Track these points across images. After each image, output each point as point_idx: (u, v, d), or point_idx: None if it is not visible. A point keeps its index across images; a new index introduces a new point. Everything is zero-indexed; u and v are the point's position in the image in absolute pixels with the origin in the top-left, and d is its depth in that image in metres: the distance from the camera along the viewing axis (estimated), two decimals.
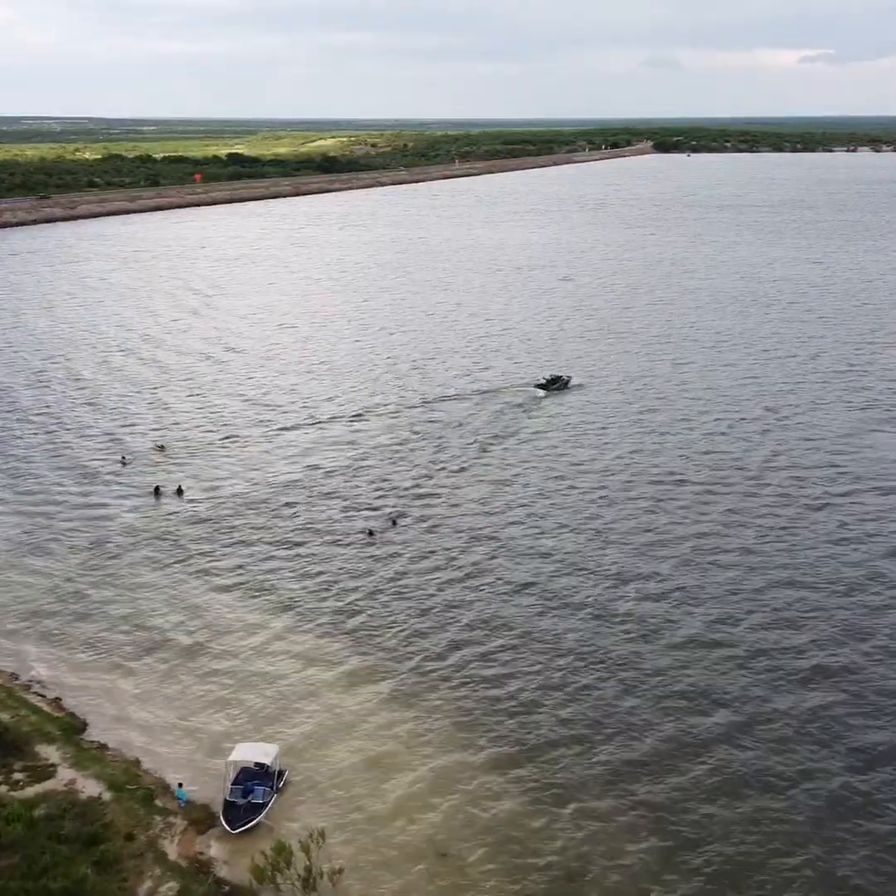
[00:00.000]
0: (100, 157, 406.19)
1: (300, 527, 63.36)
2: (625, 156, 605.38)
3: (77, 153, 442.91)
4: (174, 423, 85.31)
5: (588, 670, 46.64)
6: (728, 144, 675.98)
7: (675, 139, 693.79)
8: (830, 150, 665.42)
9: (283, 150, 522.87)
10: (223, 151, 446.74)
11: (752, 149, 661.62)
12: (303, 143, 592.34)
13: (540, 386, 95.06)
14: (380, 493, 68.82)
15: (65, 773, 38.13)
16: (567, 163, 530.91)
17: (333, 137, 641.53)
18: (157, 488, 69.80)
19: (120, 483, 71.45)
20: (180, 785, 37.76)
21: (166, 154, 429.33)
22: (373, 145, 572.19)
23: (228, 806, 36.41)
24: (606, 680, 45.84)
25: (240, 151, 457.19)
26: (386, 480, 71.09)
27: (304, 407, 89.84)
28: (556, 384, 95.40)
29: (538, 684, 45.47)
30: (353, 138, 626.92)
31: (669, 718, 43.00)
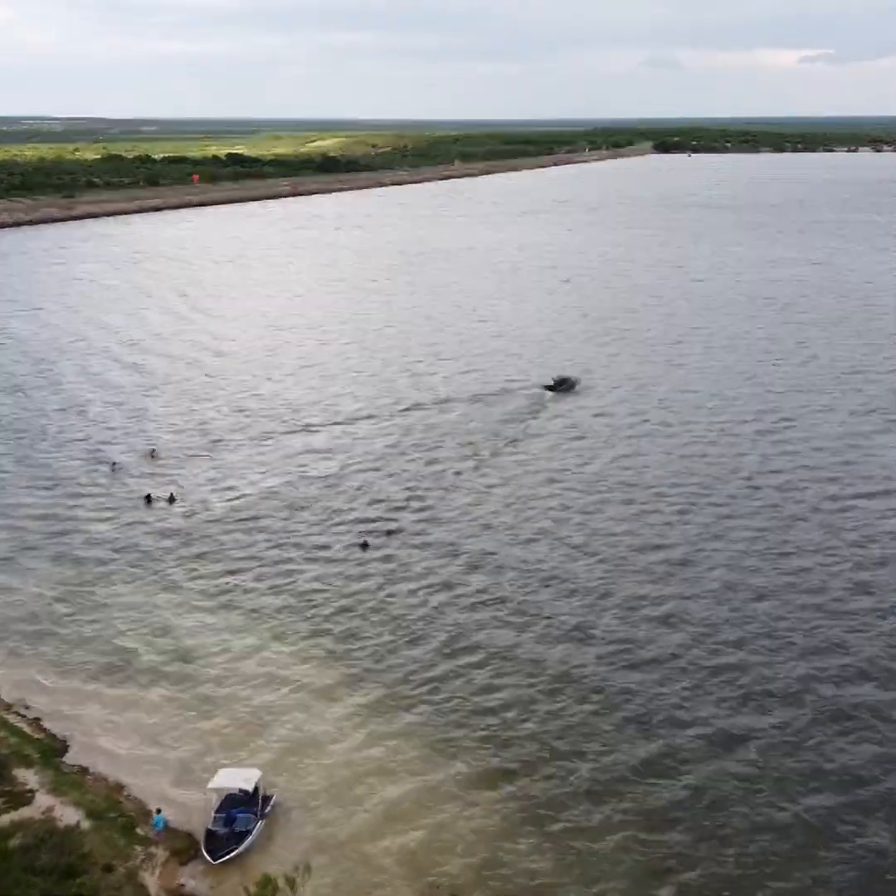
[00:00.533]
0: (99, 157, 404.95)
1: (293, 538, 61.94)
2: (625, 156, 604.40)
3: (77, 153, 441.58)
4: (166, 429, 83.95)
5: (573, 688, 45.14)
6: (728, 145, 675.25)
7: (675, 139, 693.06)
8: (831, 150, 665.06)
9: (283, 150, 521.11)
10: (223, 151, 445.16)
11: (752, 149, 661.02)
12: (303, 144, 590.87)
13: (547, 387, 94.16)
14: (377, 502, 67.39)
15: (43, 800, 36.80)
16: (567, 163, 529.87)
17: (334, 137, 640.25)
18: (148, 496, 68.49)
19: (110, 490, 70.02)
20: (158, 811, 36.40)
21: (166, 154, 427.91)
22: (373, 146, 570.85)
23: (210, 835, 35.07)
24: (591, 698, 44.38)
25: (240, 151, 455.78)
26: (383, 490, 69.64)
27: (299, 412, 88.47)
28: (563, 386, 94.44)
29: (524, 702, 44.08)
30: (353, 138, 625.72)
31: (655, 737, 41.63)
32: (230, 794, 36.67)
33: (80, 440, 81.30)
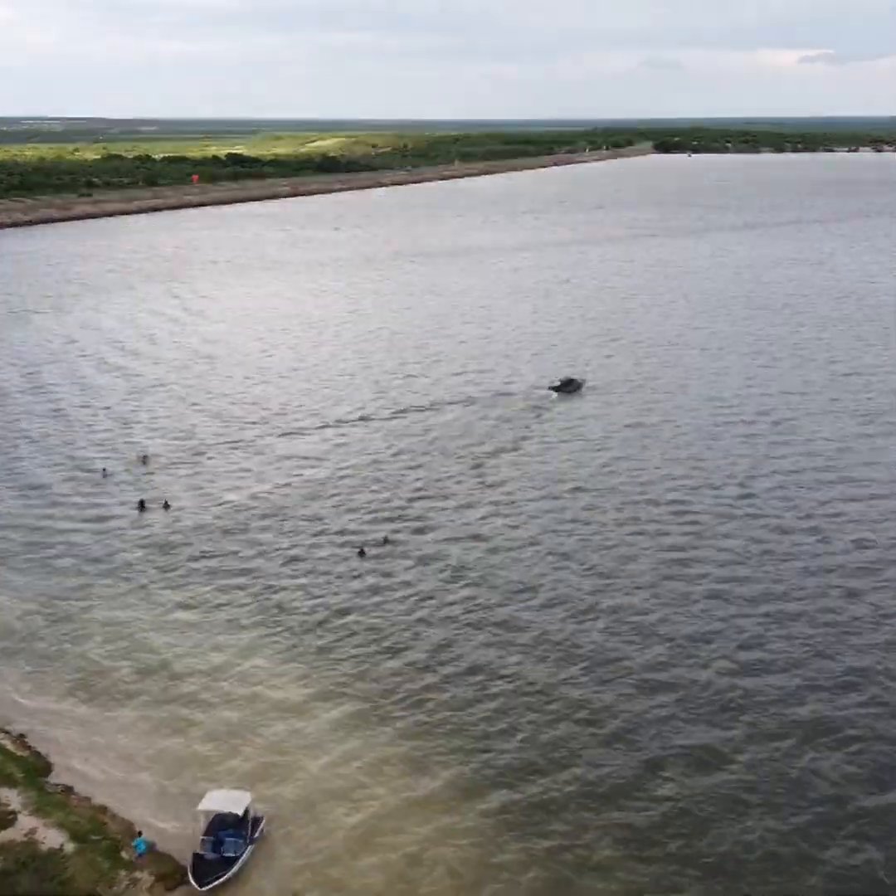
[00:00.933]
0: (99, 157, 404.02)
1: (283, 546, 60.63)
2: (625, 156, 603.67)
3: (77, 153, 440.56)
4: (157, 434, 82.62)
5: (559, 704, 44.10)
6: (729, 145, 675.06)
7: (675, 139, 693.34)
8: (831, 150, 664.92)
9: (282, 150, 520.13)
10: (223, 152, 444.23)
11: (752, 149, 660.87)
12: (303, 144, 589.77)
13: (553, 388, 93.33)
14: (373, 509, 66.16)
15: (25, 822, 35.70)
16: (568, 163, 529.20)
17: (334, 137, 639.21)
18: (142, 502, 67.30)
19: (100, 497, 68.69)
20: (140, 833, 35.21)
21: (165, 154, 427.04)
22: (373, 146, 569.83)
23: (198, 860, 33.90)
24: (577, 714, 43.36)
25: (239, 152, 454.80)
26: (381, 496, 68.44)
27: (294, 416, 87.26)
28: (569, 387, 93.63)
29: (510, 718, 43.03)
30: (353, 138, 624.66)
31: (642, 753, 40.70)
32: (219, 817, 35.50)
33: (70, 445, 79.98)
